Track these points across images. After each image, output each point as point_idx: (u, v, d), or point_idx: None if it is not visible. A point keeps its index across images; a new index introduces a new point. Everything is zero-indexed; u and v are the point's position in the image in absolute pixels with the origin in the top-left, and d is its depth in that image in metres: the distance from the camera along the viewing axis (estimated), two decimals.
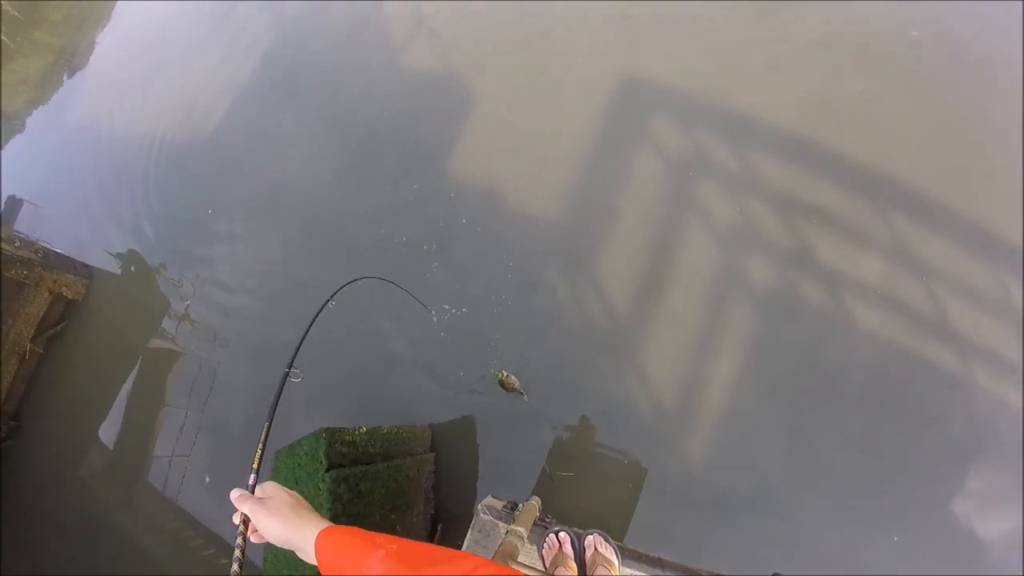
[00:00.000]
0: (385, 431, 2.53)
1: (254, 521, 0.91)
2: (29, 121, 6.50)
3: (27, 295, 4.20)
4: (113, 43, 6.39)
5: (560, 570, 1.76)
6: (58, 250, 4.31)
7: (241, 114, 4.51)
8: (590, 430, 2.75)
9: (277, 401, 1.06)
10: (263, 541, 0.92)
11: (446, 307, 3.13)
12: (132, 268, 4.24)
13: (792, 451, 2.52)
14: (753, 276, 2.75)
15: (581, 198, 3.15)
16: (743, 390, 2.62)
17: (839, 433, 2.50)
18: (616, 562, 1.84)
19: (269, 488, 0.97)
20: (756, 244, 2.79)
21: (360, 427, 2.42)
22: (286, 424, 2.99)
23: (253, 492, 0.94)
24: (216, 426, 3.55)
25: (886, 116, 2.84)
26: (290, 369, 1.13)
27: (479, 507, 1.94)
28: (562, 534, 1.85)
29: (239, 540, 0.89)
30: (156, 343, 3.86)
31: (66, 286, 4.20)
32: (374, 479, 2.32)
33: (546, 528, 1.91)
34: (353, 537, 0.82)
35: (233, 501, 0.94)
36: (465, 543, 1.88)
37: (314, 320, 1.34)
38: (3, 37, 8.22)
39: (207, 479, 3.48)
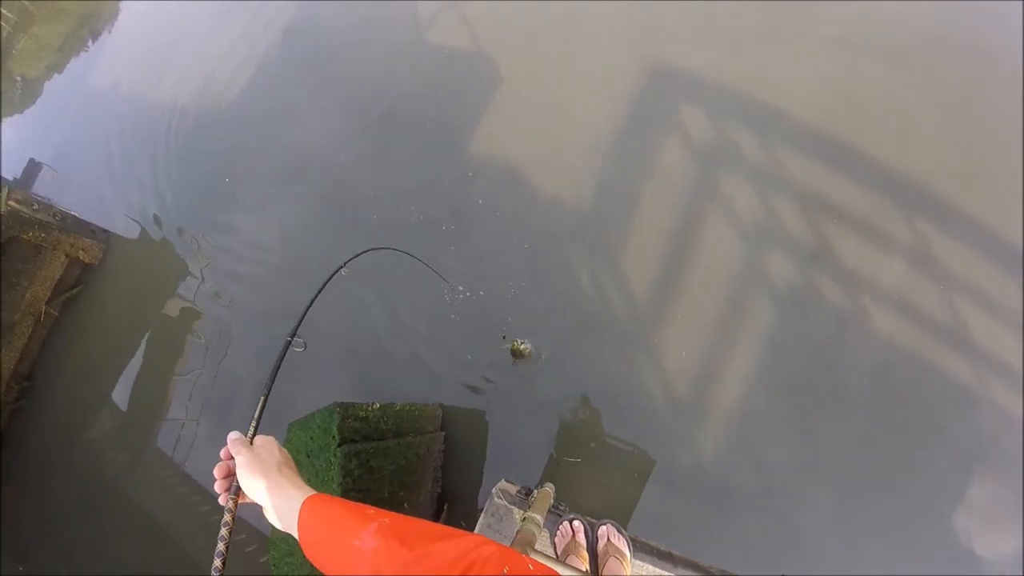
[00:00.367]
0: (398, 408, 2.50)
1: (242, 471, 0.85)
2: (49, 86, 6.50)
3: (44, 258, 4.22)
4: (137, 11, 6.36)
5: (572, 559, 1.73)
6: (75, 214, 4.31)
7: (261, 86, 4.47)
8: (599, 417, 2.72)
9: (276, 371, 0.99)
10: (246, 501, 0.87)
11: (460, 288, 3.09)
12: (149, 234, 4.24)
13: (798, 450, 2.49)
14: (771, 271, 2.70)
15: (602, 184, 3.09)
16: (754, 386, 2.59)
17: (845, 434, 2.46)
18: (628, 554, 1.81)
19: (261, 440, 0.91)
20: (776, 239, 2.74)
21: (373, 403, 2.39)
22: (294, 397, 2.98)
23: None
24: (227, 392, 3.56)
25: (913, 115, 2.77)
26: (292, 338, 1.04)
27: (494, 491, 1.91)
28: (576, 523, 1.82)
29: (229, 505, 0.83)
30: (170, 310, 3.87)
31: (83, 250, 4.21)
32: (384, 455, 2.30)
33: (559, 516, 1.88)
34: (343, 508, 0.76)
35: (229, 443, 0.89)
36: (477, 526, 1.86)
37: (323, 288, 1.26)
38: (25, 1, 8.24)
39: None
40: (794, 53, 3.02)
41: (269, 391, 0.96)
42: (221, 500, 0.87)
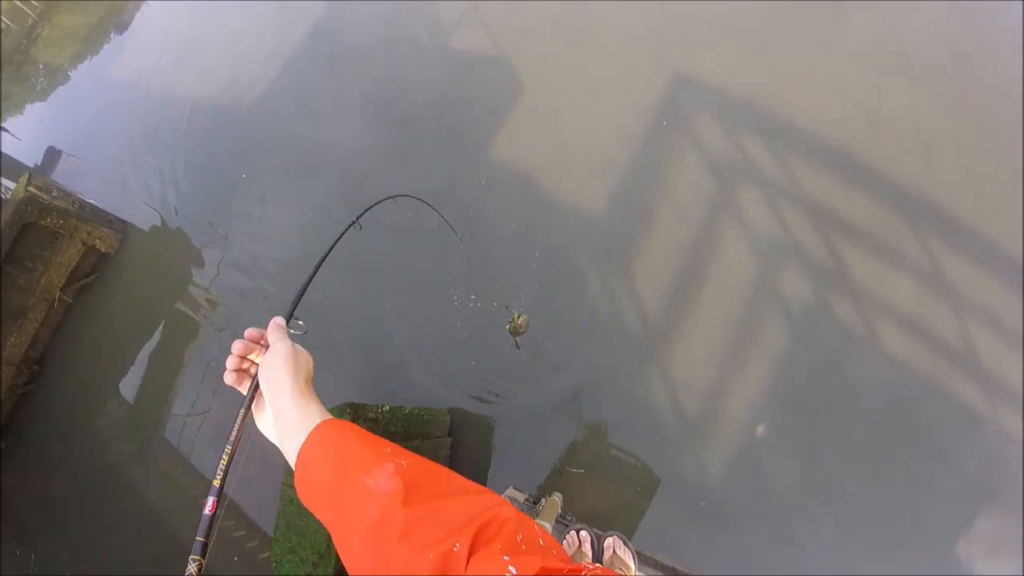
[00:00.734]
0: (407, 411, 2.53)
1: (274, 362, 0.76)
2: (73, 75, 6.60)
3: (60, 245, 4.27)
4: (162, 6, 6.46)
5: None
6: (94, 203, 4.36)
7: (283, 83, 4.53)
8: (604, 427, 2.75)
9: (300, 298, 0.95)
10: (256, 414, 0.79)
11: (472, 297, 3.12)
12: (167, 225, 4.29)
13: (803, 469, 2.52)
14: (783, 287, 2.73)
15: (616, 193, 3.14)
16: (761, 403, 2.61)
17: (851, 455, 2.48)
18: (633, 566, 1.83)
19: (300, 347, 0.83)
20: (789, 254, 2.77)
21: (384, 405, 2.42)
22: None
23: (217, 505, 0.71)
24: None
25: (928, 134, 2.81)
26: (290, 319, 0.94)
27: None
28: (583, 533, 1.84)
29: (241, 413, 0.77)
30: (184, 302, 3.91)
31: (99, 239, 4.26)
32: None
33: (566, 526, 1.90)
34: (359, 441, 0.68)
35: (271, 327, 0.81)
36: None
37: (328, 253, 1.19)
38: None
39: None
40: (815, 66, 3.05)
41: (252, 397, 0.86)
42: (228, 379, 0.81)
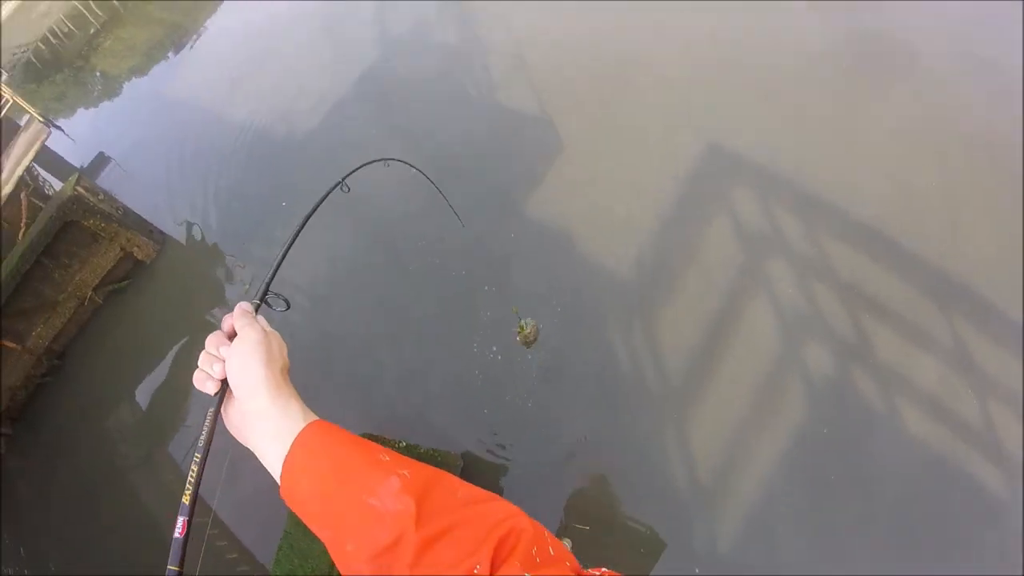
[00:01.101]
0: (422, 451, 2.65)
1: (243, 353, 0.65)
2: (128, 86, 6.99)
3: (99, 246, 4.47)
4: (220, 31, 6.90)
5: None
6: (137, 211, 4.59)
7: (329, 120, 4.85)
8: (613, 484, 2.77)
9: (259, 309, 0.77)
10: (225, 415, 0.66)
11: (494, 349, 3.25)
12: (203, 242, 4.50)
13: (816, 544, 2.48)
14: (807, 360, 2.76)
15: (644, 256, 3.27)
16: (777, 473, 2.60)
17: (866, 535, 2.45)
18: None
19: (271, 330, 0.72)
20: (815, 328, 2.81)
21: (401, 441, 2.54)
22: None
23: (187, 525, 0.60)
24: None
25: (961, 214, 2.89)
26: (264, 297, 0.80)
27: None
28: None
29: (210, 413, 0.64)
30: (210, 316, 4.06)
31: (138, 246, 4.46)
32: None
33: None
34: (352, 450, 0.60)
35: (235, 313, 0.70)
36: None
37: (309, 217, 0.95)
38: (115, 1, 8.93)
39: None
40: (852, 142, 3.20)
41: (222, 397, 0.68)
42: (195, 379, 0.67)
